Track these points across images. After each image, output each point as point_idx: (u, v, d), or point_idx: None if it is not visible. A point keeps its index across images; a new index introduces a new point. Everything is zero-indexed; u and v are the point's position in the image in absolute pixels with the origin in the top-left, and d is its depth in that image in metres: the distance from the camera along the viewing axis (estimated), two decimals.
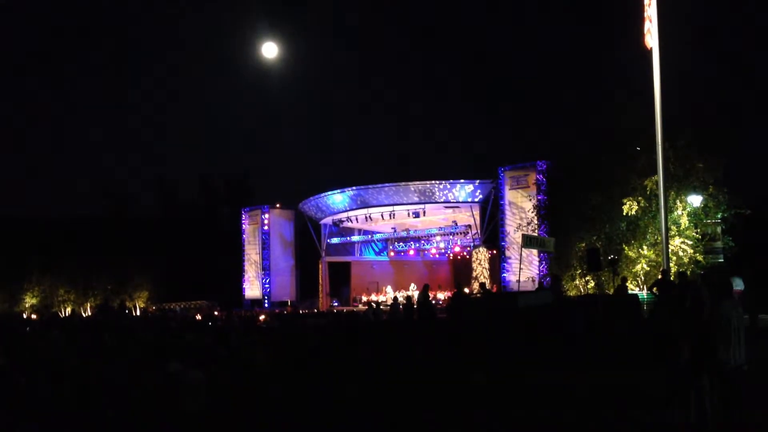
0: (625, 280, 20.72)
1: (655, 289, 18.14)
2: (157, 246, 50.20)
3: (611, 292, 20.75)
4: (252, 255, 45.60)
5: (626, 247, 22.42)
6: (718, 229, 22.10)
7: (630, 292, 22.09)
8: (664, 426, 8.35)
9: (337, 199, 39.48)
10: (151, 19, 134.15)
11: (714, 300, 8.34)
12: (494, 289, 32.52)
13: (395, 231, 42.37)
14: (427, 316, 19.23)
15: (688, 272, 20.59)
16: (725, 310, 8.18)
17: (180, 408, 9.51)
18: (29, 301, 44.47)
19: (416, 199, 36.59)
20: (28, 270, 43.90)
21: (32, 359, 13.17)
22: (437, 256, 44.56)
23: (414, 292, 36.49)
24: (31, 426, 9.32)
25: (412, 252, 43.95)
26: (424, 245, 42.72)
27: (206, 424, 9.33)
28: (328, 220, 42.17)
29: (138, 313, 43.78)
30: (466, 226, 37.48)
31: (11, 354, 13.57)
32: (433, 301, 26.23)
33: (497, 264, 33.82)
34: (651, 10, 18.92)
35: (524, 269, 26.72)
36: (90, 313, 43.34)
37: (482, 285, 23.99)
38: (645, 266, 22.14)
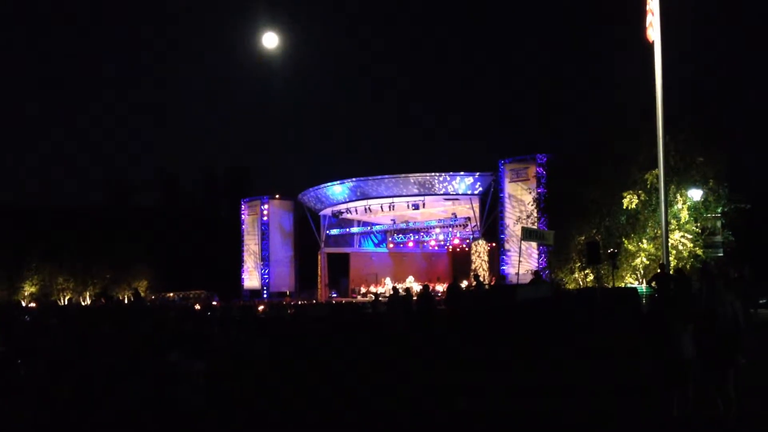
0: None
1: (653, 283, 18.16)
2: (157, 236, 50.26)
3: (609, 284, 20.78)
4: (251, 245, 45.58)
5: (626, 241, 22.41)
6: (718, 224, 22.10)
7: (629, 285, 22.16)
8: (664, 419, 8.35)
9: (337, 190, 39.44)
10: (152, 12, 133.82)
11: (721, 292, 8.34)
12: (492, 282, 32.51)
13: (394, 223, 42.36)
14: (426, 308, 19.23)
15: (687, 266, 20.64)
16: (733, 303, 8.20)
17: (179, 398, 9.49)
18: (28, 289, 44.45)
19: (416, 191, 36.56)
20: (27, 258, 43.87)
21: (31, 348, 13.16)
22: (436, 248, 44.56)
23: (412, 283, 36.54)
24: (29, 415, 9.31)
25: (411, 244, 43.94)
26: (423, 237, 42.73)
27: (206, 414, 9.33)
28: (327, 211, 42.14)
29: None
30: (465, 218, 37.47)
31: (10, 342, 13.57)
32: (432, 293, 26.18)
33: (496, 257, 33.83)
34: (653, 3, 18.83)
35: (523, 262, 26.74)
36: (89, 302, 43.35)
37: (476, 277, 24.01)
38: (644, 260, 22.15)
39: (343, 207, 40.41)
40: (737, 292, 8.80)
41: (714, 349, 8.03)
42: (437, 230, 41.13)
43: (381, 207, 38.41)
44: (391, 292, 26.64)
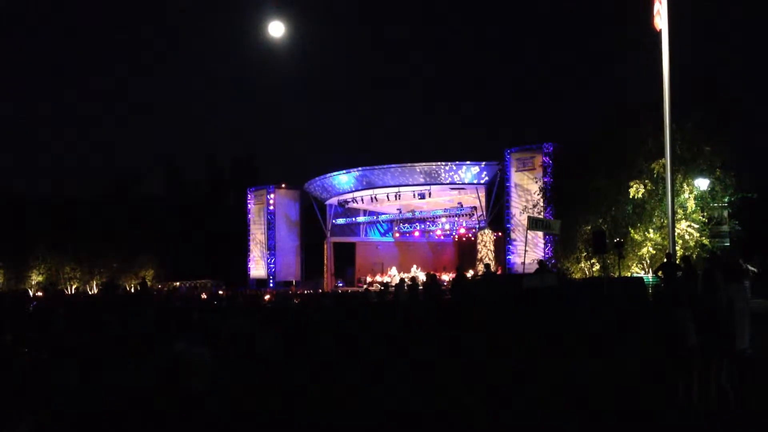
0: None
1: (660, 273, 18.12)
2: (164, 225, 50.34)
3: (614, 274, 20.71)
4: (257, 235, 45.64)
5: (632, 231, 22.37)
6: (725, 213, 22.04)
7: (635, 274, 22.12)
8: (666, 410, 8.34)
9: (343, 179, 39.41)
10: (156, 4, 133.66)
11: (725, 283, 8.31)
12: (499, 271, 32.51)
13: (400, 212, 42.34)
14: (434, 297, 19.28)
15: (693, 255, 20.59)
16: (731, 294, 8.15)
17: (185, 386, 9.53)
18: (35, 278, 44.63)
19: (422, 181, 36.50)
20: (34, 247, 43.99)
21: (37, 336, 13.21)
22: (442, 237, 44.53)
23: (417, 272, 36.59)
24: (34, 405, 9.35)
25: (417, 233, 43.92)
26: (429, 227, 42.68)
27: (212, 401, 9.37)
28: (333, 200, 42.13)
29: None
30: (471, 207, 37.43)
31: (17, 331, 13.63)
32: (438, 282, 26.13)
33: (502, 246, 33.79)
34: None
35: (529, 251, 26.68)
36: (95, 291, 43.52)
37: (486, 266, 24.00)
38: (651, 249, 22.11)
39: (349, 196, 40.38)
40: (740, 282, 8.75)
41: (708, 339, 8.02)
42: (443, 220, 41.09)
43: (387, 196, 38.37)
44: (397, 282, 26.72)
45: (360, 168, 38.08)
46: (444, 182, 36.15)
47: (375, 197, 39.00)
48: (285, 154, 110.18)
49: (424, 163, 36.09)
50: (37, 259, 44.54)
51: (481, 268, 32.53)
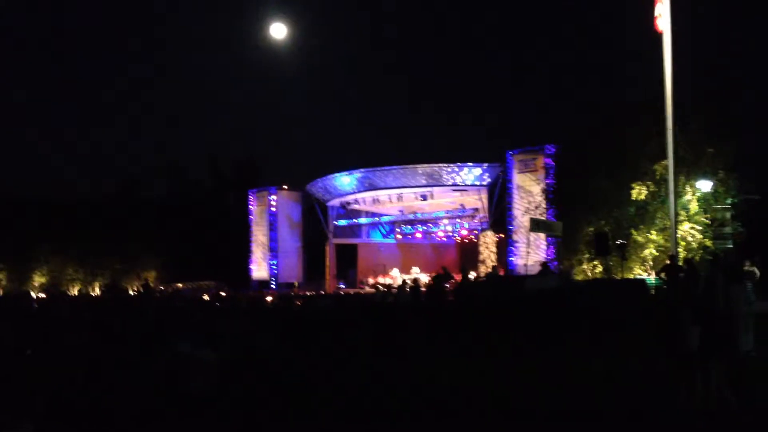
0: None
1: (663, 275, 18.08)
2: (165, 227, 50.33)
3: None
4: (259, 236, 45.62)
5: (635, 232, 22.34)
6: (728, 215, 22.00)
7: (638, 276, 22.09)
8: (669, 410, 8.31)
9: (345, 181, 39.37)
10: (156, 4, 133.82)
11: (726, 284, 8.29)
12: (501, 273, 32.46)
13: (402, 214, 42.29)
14: (436, 299, 19.24)
15: (696, 257, 20.55)
16: (731, 295, 8.14)
17: (185, 386, 9.52)
18: (38, 279, 44.67)
19: (424, 182, 36.45)
20: (35, 248, 44.02)
21: (41, 338, 13.22)
22: (444, 239, 44.50)
23: (419, 274, 36.52)
24: (34, 405, 9.36)
25: (419, 235, 43.87)
26: (431, 228, 42.65)
27: (216, 403, 9.36)
28: (335, 202, 42.10)
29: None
30: (473, 209, 37.38)
31: (18, 331, 13.65)
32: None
33: (504, 248, 33.73)
34: None
35: (531, 253, 26.67)
36: (98, 293, 43.54)
37: (493, 268, 23.99)
38: (653, 251, 22.07)
39: (351, 198, 40.35)
40: (741, 284, 8.72)
41: (708, 340, 8.00)
42: (445, 221, 41.05)
43: (389, 198, 38.34)
44: (399, 284, 26.70)
45: (362, 169, 38.04)
46: (446, 184, 36.09)
47: (377, 199, 38.97)
48: (285, 155, 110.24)
49: (426, 165, 36.02)
50: (39, 261, 44.59)
51: (484, 269, 32.52)
